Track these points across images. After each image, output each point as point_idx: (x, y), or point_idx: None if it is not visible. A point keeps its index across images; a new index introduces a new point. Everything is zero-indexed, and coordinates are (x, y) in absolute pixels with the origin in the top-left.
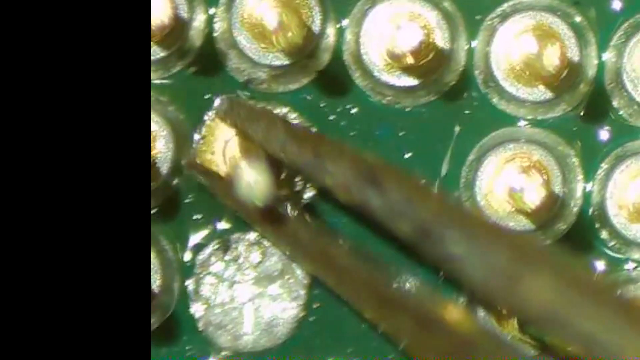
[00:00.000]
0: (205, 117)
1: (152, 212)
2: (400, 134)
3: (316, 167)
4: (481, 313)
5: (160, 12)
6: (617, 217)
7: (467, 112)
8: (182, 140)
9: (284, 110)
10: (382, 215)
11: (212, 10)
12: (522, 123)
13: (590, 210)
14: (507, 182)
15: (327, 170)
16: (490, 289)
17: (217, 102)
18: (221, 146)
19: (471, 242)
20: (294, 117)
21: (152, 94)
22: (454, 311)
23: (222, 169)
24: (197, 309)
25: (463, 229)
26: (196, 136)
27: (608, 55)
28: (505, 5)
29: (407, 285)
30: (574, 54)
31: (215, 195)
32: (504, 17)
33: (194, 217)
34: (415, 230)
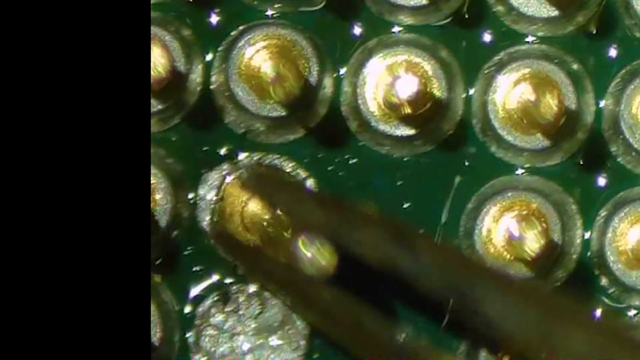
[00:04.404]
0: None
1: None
2: (399, 184)
3: (343, 233)
4: None
5: (158, 65)
6: (617, 263)
7: (465, 161)
8: (180, 192)
9: (282, 161)
10: (414, 277)
11: (209, 56)
12: (520, 171)
13: (590, 257)
14: (506, 230)
15: (355, 236)
16: (524, 344)
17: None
18: (239, 208)
19: (504, 300)
20: (292, 168)
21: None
22: None
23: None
24: None
25: (495, 288)
26: (211, 197)
27: (605, 102)
28: (502, 54)
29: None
30: (571, 102)
31: (241, 265)
32: (501, 65)
33: (194, 269)
34: (447, 290)
